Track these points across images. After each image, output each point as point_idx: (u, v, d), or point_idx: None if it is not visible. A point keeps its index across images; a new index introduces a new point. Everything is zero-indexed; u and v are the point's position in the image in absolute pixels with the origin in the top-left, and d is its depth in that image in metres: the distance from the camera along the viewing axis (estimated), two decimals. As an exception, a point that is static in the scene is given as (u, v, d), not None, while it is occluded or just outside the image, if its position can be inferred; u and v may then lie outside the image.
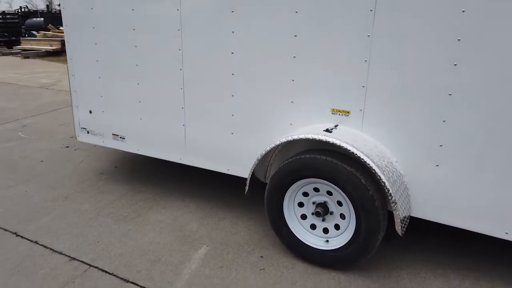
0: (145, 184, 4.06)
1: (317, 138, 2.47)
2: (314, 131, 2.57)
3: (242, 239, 3.08)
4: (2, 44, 20.14)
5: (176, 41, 3.15)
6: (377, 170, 2.32)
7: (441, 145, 2.39)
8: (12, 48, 18.47)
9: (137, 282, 2.59)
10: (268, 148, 2.71)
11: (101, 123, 3.81)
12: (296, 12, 2.63)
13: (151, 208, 3.58)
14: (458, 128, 2.32)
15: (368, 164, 2.33)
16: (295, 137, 2.56)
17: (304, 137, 2.53)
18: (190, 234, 3.16)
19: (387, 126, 2.52)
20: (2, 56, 17.06)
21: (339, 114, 2.68)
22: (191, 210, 3.54)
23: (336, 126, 2.66)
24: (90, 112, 3.86)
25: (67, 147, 5.29)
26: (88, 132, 3.95)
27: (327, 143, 2.46)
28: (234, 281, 2.59)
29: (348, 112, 2.64)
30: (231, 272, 2.69)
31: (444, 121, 2.35)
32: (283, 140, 2.64)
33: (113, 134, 3.77)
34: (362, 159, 2.35)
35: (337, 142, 2.41)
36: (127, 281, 2.60)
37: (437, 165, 2.42)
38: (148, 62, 3.35)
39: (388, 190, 2.32)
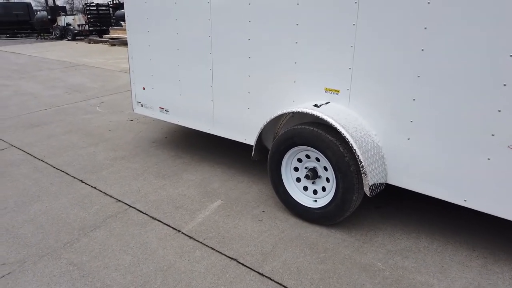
0: (186, 152, 4.81)
1: (304, 111, 2.95)
2: (305, 107, 3.04)
3: (252, 197, 3.65)
4: (94, 33, 22.67)
5: (207, 29, 3.77)
6: (349, 139, 2.74)
7: (411, 121, 2.72)
8: (102, 37, 20.73)
9: (161, 220, 3.30)
10: (268, 119, 3.24)
11: (151, 98, 4.61)
12: (298, 4, 3.09)
13: (186, 170, 4.31)
14: (425, 106, 2.63)
15: (342, 134, 2.76)
16: (284, 111, 3.07)
17: (295, 111, 3.02)
18: (211, 191, 3.81)
19: (368, 103, 2.90)
20: (94, 44, 19.30)
21: (331, 93, 3.10)
22: (217, 173, 4.19)
23: (327, 103, 3.09)
24: (144, 88, 4.67)
25: (131, 120, 6.27)
26: (142, 105, 4.78)
27: (312, 115, 2.92)
28: (235, 226, 3.19)
29: (338, 91, 3.06)
30: (234, 219, 3.29)
31: (414, 99, 2.68)
32: (278, 113, 3.16)
33: (160, 107, 4.55)
34: (338, 129, 2.78)
35: (320, 114, 2.86)
36: (155, 218, 3.33)
37: (408, 139, 2.76)
38: (185, 47, 4.02)
39: (358, 157, 2.72)
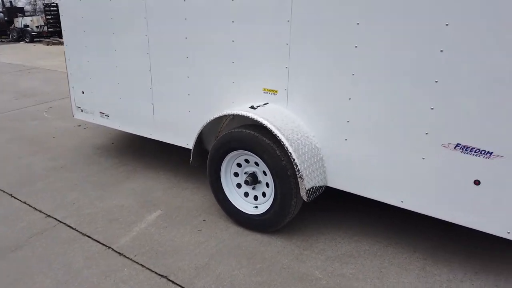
0: (131, 159, 4.54)
1: (239, 114, 2.77)
2: (241, 109, 2.86)
3: (194, 206, 3.45)
4: (55, 34, 21.77)
5: (143, 27, 3.53)
6: (285, 142, 2.58)
7: (348, 121, 2.59)
8: (62, 38, 19.94)
9: (91, 236, 3.05)
10: (204, 123, 3.05)
11: (91, 102, 4.32)
12: (233, 0, 2.90)
13: (128, 178, 4.05)
14: (361, 105, 2.51)
15: (278, 136, 2.60)
16: (220, 114, 2.89)
17: (230, 113, 2.84)
18: (152, 200, 3.58)
19: (305, 104, 2.75)
20: (53, 45, 18.55)
21: (269, 93, 2.94)
22: (161, 181, 3.96)
23: (265, 104, 2.93)
24: (83, 92, 4.38)
25: (79, 126, 5.93)
26: (82, 111, 4.48)
27: (247, 118, 2.75)
28: (171, 238, 2.98)
29: (276, 91, 2.90)
30: (172, 231, 3.07)
31: (349, 99, 2.55)
32: (214, 116, 2.97)
33: (100, 112, 4.27)
34: (273, 131, 2.61)
35: (255, 117, 2.70)
36: (84, 234, 3.07)
37: (345, 139, 2.63)
38: (122, 47, 3.77)
39: (294, 160, 2.57)
